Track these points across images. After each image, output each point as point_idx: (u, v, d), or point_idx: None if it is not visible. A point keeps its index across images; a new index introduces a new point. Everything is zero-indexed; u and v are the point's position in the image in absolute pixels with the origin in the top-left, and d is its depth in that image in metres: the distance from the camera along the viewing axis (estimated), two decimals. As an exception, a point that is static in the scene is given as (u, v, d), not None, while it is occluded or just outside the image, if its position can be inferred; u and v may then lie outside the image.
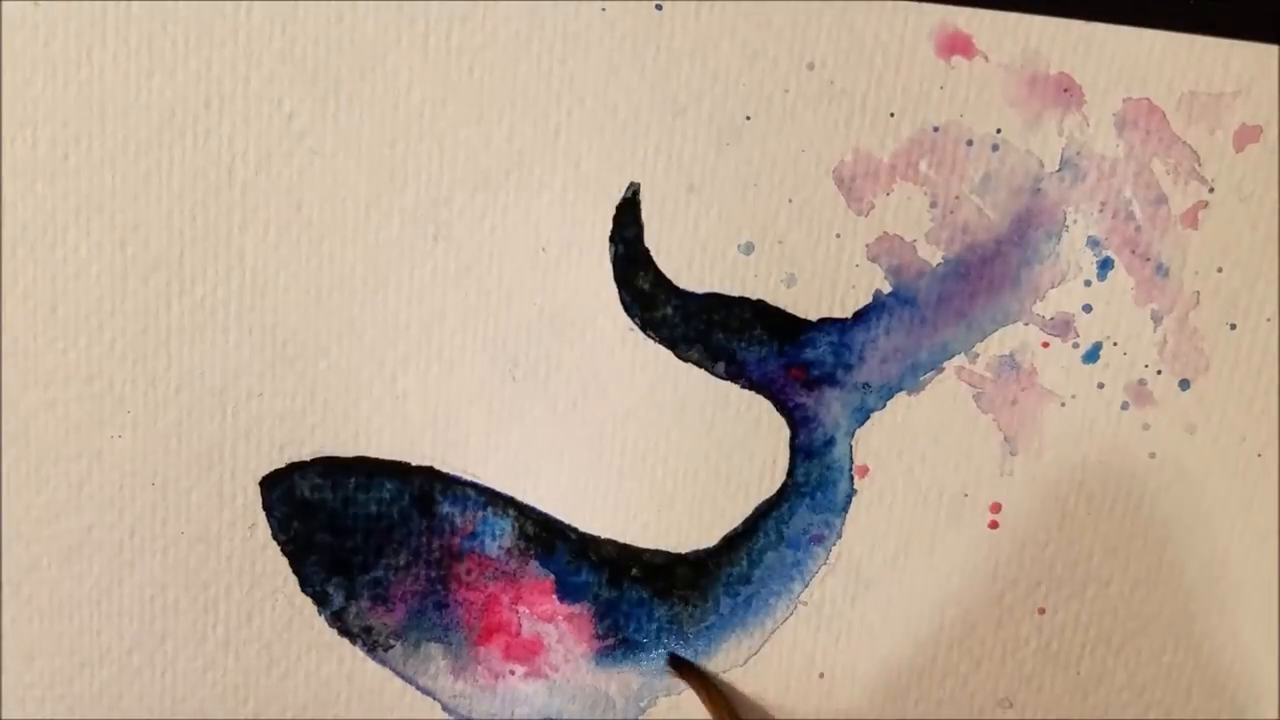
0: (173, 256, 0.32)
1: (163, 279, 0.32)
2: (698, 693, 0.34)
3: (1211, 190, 0.31)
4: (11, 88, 0.30)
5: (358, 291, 0.32)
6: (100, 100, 0.30)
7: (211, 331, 0.32)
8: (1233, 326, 0.32)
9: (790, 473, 0.33)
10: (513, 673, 0.34)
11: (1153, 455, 0.33)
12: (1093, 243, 0.31)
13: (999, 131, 0.31)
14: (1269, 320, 0.32)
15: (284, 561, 0.34)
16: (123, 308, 0.32)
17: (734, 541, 0.34)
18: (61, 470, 0.33)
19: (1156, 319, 0.32)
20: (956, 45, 0.31)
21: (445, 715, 0.35)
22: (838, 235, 0.31)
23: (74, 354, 0.32)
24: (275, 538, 0.34)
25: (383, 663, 0.34)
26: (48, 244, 0.31)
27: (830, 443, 0.33)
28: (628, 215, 0.31)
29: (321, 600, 0.34)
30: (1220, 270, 0.32)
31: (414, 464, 0.33)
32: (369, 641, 0.34)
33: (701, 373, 0.33)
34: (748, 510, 0.34)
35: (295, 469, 0.33)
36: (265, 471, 0.33)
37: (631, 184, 0.31)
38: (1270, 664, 0.34)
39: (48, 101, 0.30)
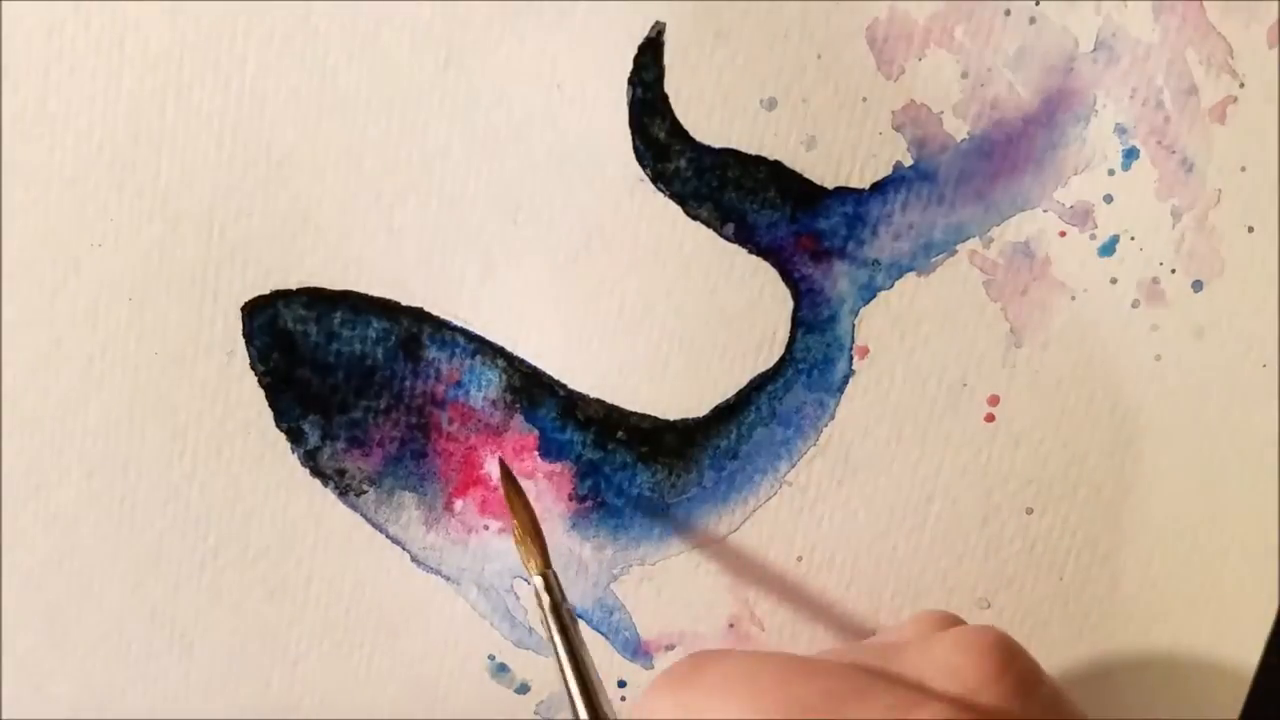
0: (173, 56, 0.30)
1: (159, 80, 0.30)
2: (508, 500, 0.32)
3: (1242, 86, 0.30)
4: None
5: (360, 114, 0.31)
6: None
7: (205, 141, 0.31)
8: (1250, 229, 0.31)
9: (789, 347, 0.32)
10: (487, 528, 0.33)
11: (1158, 358, 0.32)
12: (1120, 130, 0.31)
13: (1038, 4, 0.30)
14: (1288, 227, 0.32)
15: (260, 394, 0.33)
16: (115, 108, 0.30)
17: (725, 413, 0.33)
18: (35, 276, 0.31)
19: (1176, 215, 0.31)
20: (1002, -87, 0.30)
21: (413, 565, 0.34)
22: (864, 99, 0.31)
23: (60, 153, 0.31)
24: (253, 367, 0.32)
25: (353, 508, 0.33)
26: (43, 34, 0.30)
27: (833, 319, 0.32)
28: (649, 56, 0.30)
29: (295, 438, 0.33)
30: (1244, 170, 0.31)
31: (404, 304, 0.32)
32: (341, 485, 0.33)
33: (708, 234, 0.32)
34: (742, 382, 0.33)
35: (280, 297, 0.32)
36: (249, 297, 0.32)
37: (656, 23, 0.30)
38: (1263, 584, 0.34)
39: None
